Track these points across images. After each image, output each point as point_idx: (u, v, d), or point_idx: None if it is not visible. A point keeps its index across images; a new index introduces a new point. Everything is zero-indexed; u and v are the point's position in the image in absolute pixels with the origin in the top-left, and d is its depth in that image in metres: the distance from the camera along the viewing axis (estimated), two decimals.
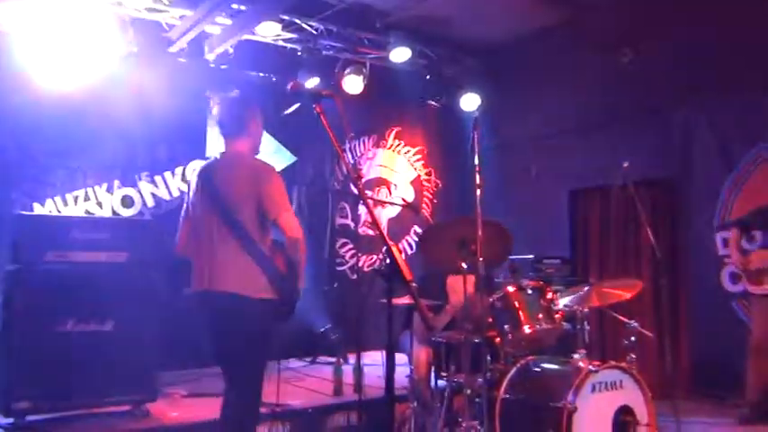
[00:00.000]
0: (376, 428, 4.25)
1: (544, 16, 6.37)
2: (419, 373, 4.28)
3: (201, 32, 5.86)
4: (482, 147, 3.68)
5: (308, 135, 6.57)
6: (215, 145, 6.55)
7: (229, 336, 3.06)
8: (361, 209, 7.26)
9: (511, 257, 5.78)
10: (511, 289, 3.91)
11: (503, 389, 3.70)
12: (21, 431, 3.87)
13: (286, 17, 6.09)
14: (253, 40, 6.15)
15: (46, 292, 3.97)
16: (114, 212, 5.92)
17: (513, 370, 3.78)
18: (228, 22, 5.82)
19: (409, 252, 7.68)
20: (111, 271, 4.19)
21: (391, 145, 8.11)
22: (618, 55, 6.16)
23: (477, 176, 3.59)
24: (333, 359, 5.68)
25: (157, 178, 6.24)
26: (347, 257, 7.51)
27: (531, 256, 6.10)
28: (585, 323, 3.90)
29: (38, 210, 5.51)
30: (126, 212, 5.99)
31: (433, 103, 7.50)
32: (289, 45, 6.42)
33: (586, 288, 4.02)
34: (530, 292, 3.90)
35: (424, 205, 7.95)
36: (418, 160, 8.06)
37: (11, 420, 3.88)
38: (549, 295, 3.94)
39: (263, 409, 3.33)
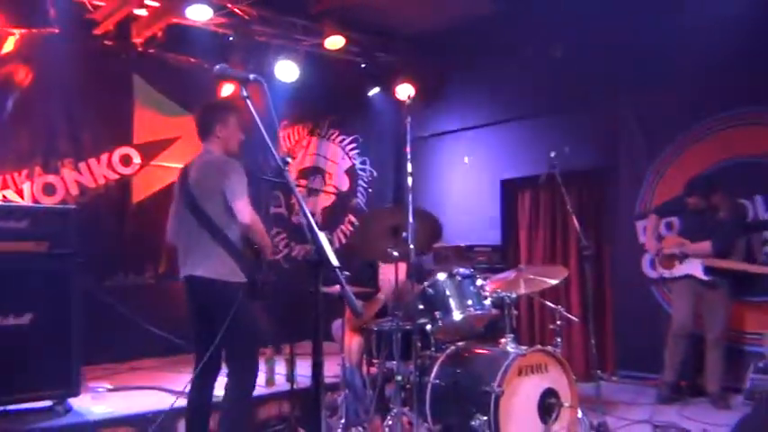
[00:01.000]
0: (308, 418, 4.24)
1: (478, 5, 6.42)
2: (351, 361, 4.29)
3: (129, 15, 5.67)
4: (415, 136, 3.70)
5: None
6: (143, 130, 6.39)
7: (210, 318, 3.34)
8: (301, 199, 7.19)
9: (443, 246, 5.89)
10: (441, 276, 3.96)
11: (433, 374, 3.75)
12: None
13: (217, 1, 5.95)
14: (183, 24, 5.98)
15: None
16: (35, 200, 5.67)
17: (443, 356, 3.83)
18: (156, 4, 5.64)
19: (343, 241, 7.66)
20: (30, 261, 4.00)
21: (326, 133, 8.07)
22: (550, 48, 6.30)
23: (409, 165, 3.61)
24: (266, 350, 5.62)
25: (81, 165, 6.01)
26: (281, 247, 7.44)
27: (463, 245, 6.19)
28: (513, 309, 4.00)
29: None
30: (48, 200, 5.75)
31: (368, 92, 7.49)
32: (221, 30, 6.28)
33: (514, 275, 4.12)
34: (460, 279, 3.95)
35: (359, 194, 7.93)
36: (353, 149, 8.03)
37: None
38: (479, 282, 4.01)
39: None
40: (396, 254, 3.69)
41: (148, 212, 6.19)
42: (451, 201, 7.22)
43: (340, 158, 8.05)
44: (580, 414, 3.87)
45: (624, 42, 5.81)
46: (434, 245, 4.12)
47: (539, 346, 3.72)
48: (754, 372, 5.04)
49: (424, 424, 3.68)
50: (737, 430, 2.75)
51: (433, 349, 3.96)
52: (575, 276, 6.17)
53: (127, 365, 5.65)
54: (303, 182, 7.75)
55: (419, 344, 3.66)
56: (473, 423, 3.38)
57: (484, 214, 7.00)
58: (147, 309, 5.93)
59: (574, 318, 4.29)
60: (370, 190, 7.92)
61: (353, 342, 4.37)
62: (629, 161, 6.20)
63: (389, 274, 4.04)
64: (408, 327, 3.69)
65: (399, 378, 3.65)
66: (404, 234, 3.59)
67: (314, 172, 8.02)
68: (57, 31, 5.45)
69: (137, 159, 6.34)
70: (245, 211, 3.28)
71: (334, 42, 6.54)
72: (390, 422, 3.68)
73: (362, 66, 7.32)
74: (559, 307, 4.25)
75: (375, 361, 4.06)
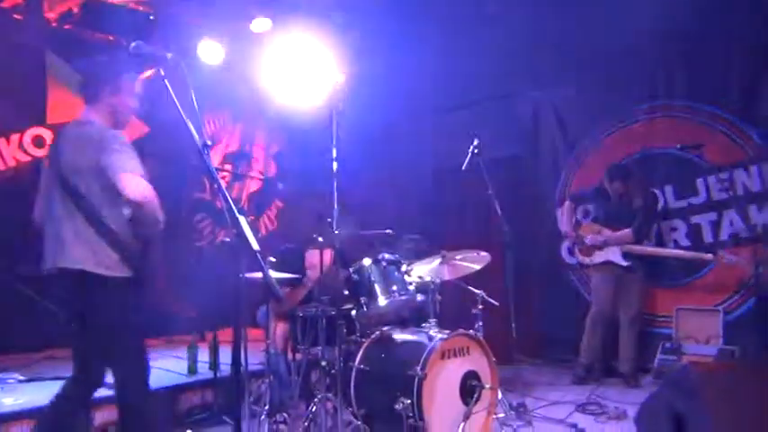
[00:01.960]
0: (231, 405, 4.18)
1: None
2: (276, 347, 4.26)
3: None
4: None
5: (162, 103, 6.24)
6: (58, 110, 6.08)
7: (85, 315, 2.86)
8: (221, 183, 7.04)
9: (369, 232, 5.90)
10: (366, 262, 3.98)
11: (357, 360, 3.78)
12: None
13: None
14: (101, 1, 5.71)
15: None
16: None
17: (368, 341, 3.86)
18: None
19: (270, 227, 7.56)
20: None
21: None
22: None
23: (334, 151, 3.58)
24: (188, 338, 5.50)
25: None
26: (205, 232, 7.28)
27: (391, 231, 6.22)
28: (437, 294, 4.07)
29: None
30: None
31: None
32: (141, 8, 6.04)
33: (438, 260, 4.19)
34: (385, 264, 3.98)
35: (285, 180, 7.84)
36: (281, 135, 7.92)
37: None
38: (404, 268, 4.05)
39: (104, 392, 3.13)
40: (321, 240, 3.67)
41: None
42: (386, 191, 7.24)
43: (267, 144, 7.93)
44: (500, 395, 3.99)
45: (546, 37, 5.98)
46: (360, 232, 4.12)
47: (461, 330, 3.80)
48: (661, 352, 5.33)
49: (348, 409, 3.70)
50: (644, 408, 2.89)
51: (358, 334, 3.98)
52: (498, 262, 6.32)
53: (42, 355, 5.40)
54: (229, 166, 7.58)
55: (344, 329, 3.68)
56: (397, 407, 3.42)
57: (417, 204, 7.09)
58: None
59: (494, 302, 4.40)
60: (296, 176, 7.82)
61: (279, 328, 4.35)
62: (549, 150, 6.41)
63: (315, 260, 4.02)
64: (333, 312, 3.69)
65: (324, 364, 3.65)
66: (328, 220, 3.58)
67: (240, 157, 7.86)
68: None
69: (50, 140, 6.04)
70: (131, 184, 2.72)
71: (261, 25, 6.40)
72: (314, 408, 3.69)
73: None
74: (481, 292, 4.35)
75: (300, 347, 4.05)
